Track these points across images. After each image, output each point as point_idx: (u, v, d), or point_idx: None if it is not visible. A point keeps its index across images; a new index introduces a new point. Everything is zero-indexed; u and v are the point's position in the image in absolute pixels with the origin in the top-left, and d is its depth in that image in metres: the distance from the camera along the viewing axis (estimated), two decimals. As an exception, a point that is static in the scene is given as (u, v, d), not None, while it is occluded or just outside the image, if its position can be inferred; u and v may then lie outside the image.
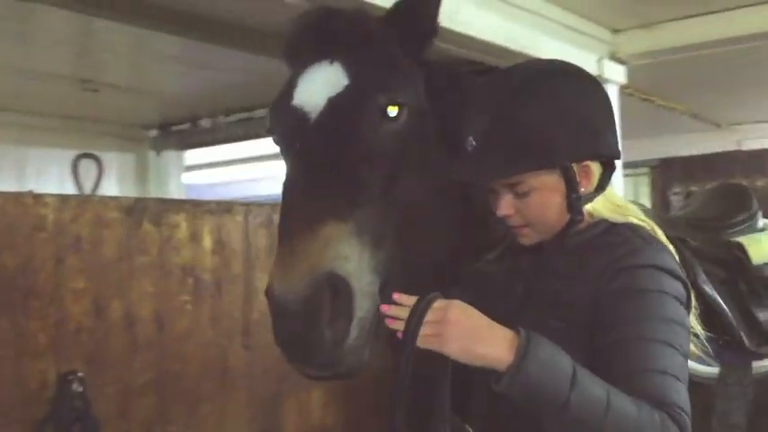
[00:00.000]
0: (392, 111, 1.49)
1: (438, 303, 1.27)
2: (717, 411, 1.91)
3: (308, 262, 1.29)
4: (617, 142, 1.50)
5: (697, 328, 1.54)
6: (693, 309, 1.47)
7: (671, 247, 1.48)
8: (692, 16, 3.11)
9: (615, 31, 3.15)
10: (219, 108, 5.64)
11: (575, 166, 1.42)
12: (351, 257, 1.35)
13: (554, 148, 1.41)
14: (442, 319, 1.24)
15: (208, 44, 3.14)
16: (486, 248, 1.61)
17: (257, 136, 5.63)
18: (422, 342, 1.25)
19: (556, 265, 1.44)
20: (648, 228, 1.48)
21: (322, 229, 1.32)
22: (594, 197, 1.47)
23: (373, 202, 1.43)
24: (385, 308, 1.31)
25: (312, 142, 1.44)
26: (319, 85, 1.47)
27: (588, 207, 1.47)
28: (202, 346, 2.07)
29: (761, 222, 2.27)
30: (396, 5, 1.61)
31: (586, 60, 2.73)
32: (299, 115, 1.47)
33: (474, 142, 1.43)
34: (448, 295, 1.38)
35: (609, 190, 1.51)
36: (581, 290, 1.37)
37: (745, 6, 2.92)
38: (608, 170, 1.49)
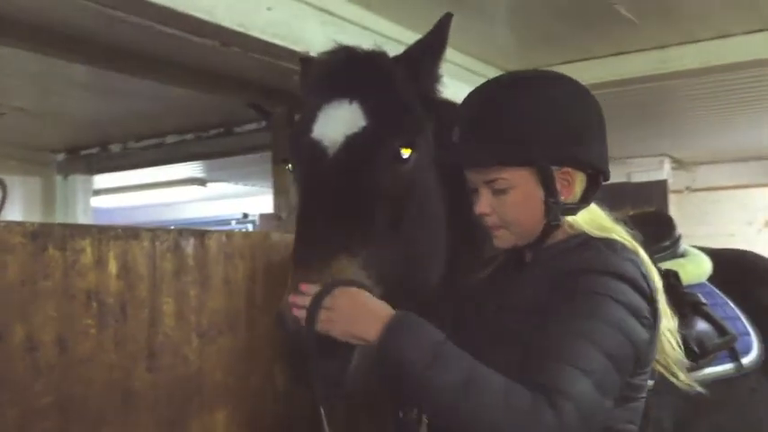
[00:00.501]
0: (405, 153, 1.61)
1: (335, 291, 1.40)
2: (651, 418, 1.95)
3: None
4: (604, 157, 1.50)
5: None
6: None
7: (650, 267, 1.47)
8: (577, 60, 3.38)
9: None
10: (130, 133, 5.62)
11: (555, 171, 1.44)
12: None
13: (531, 145, 1.43)
14: (332, 306, 1.38)
15: (116, 73, 3.19)
16: (477, 265, 1.71)
17: (167, 162, 5.63)
18: (318, 327, 1.38)
19: (528, 273, 1.49)
20: (630, 246, 1.47)
21: (335, 263, 1.46)
22: (577, 210, 1.47)
23: (381, 238, 1.55)
24: (292, 298, 1.42)
25: (328, 177, 1.55)
26: (338, 124, 1.58)
27: (569, 219, 1.47)
28: (106, 368, 2.08)
29: (681, 248, 2.46)
30: (412, 47, 1.76)
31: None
32: (318, 149, 1.58)
33: (459, 131, 1.51)
34: (439, 311, 1.53)
35: (595, 209, 1.52)
36: (543, 293, 1.41)
37: (626, 53, 3.21)
38: (593, 185, 1.50)
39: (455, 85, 3.04)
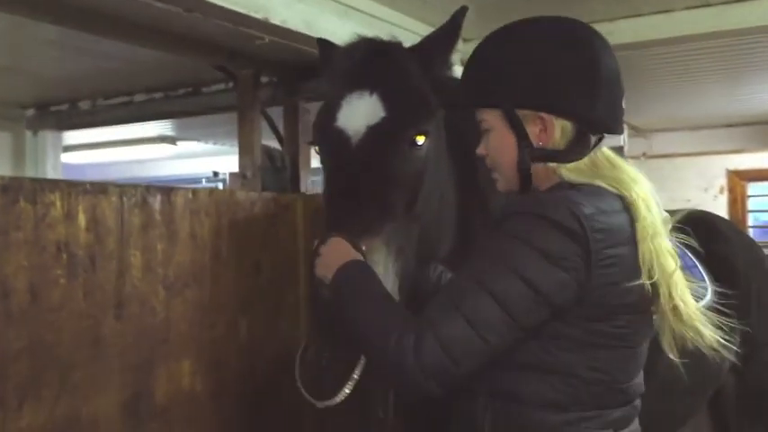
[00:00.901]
0: (419, 140, 1.78)
1: (328, 242, 1.61)
2: None
3: None
4: (593, 106, 1.46)
5: None
6: None
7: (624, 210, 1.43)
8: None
9: (465, 40, 3.49)
10: (99, 91, 5.63)
11: (528, 115, 1.46)
12: (380, 263, 1.66)
13: (496, 87, 1.48)
14: (321, 252, 1.60)
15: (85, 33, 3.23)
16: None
17: (136, 119, 5.66)
18: (315, 272, 1.61)
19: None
20: (613, 189, 1.44)
21: (361, 240, 1.63)
22: (564, 159, 1.47)
23: (399, 216, 1.73)
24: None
25: (353, 164, 1.72)
26: (360, 114, 1.74)
27: (555, 168, 1.47)
28: (76, 316, 2.15)
29: None
30: (427, 38, 1.92)
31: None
32: (342, 137, 1.75)
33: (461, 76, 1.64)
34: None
35: (608, 160, 1.49)
36: None
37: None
38: (583, 137, 1.47)
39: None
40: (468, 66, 1.59)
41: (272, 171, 4.20)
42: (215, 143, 8.52)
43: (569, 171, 1.47)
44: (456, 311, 1.33)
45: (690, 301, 1.49)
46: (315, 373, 1.77)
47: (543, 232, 1.34)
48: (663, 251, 1.47)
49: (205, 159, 10.59)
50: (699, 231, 2.66)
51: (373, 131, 1.73)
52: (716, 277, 2.56)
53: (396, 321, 1.38)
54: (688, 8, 3.03)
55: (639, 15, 3.13)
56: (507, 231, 1.38)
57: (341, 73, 1.84)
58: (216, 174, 10.82)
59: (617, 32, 3.11)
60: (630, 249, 1.43)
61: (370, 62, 1.81)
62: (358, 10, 2.69)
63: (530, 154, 1.47)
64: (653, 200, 1.50)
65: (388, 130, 1.73)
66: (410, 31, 3.07)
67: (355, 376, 1.71)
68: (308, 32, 2.40)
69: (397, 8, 2.92)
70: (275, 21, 2.30)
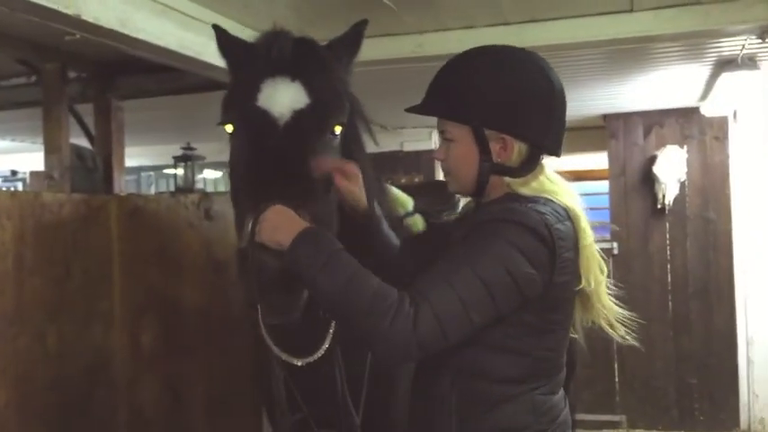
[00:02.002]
0: (337, 130, 1.89)
1: (270, 208, 1.62)
2: None
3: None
4: (545, 132, 1.65)
5: None
6: None
7: (576, 220, 1.64)
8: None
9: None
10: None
11: (493, 134, 1.61)
12: None
13: (469, 107, 1.62)
14: (264, 218, 1.61)
15: None
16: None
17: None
18: (256, 237, 1.62)
19: (461, 228, 1.67)
20: (559, 203, 1.63)
21: (300, 211, 1.65)
22: (515, 174, 1.65)
23: (320, 197, 1.79)
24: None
25: (281, 144, 1.76)
26: (284, 98, 1.81)
27: (507, 181, 1.65)
28: None
29: (460, 206, 2.88)
30: (333, 42, 2.02)
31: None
32: (266, 118, 1.79)
33: (429, 87, 1.73)
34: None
35: (547, 176, 1.69)
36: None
37: (389, 36, 3.45)
38: (534, 156, 1.67)
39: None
40: (442, 77, 1.72)
41: (82, 171, 4.00)
42: (13, 139, 7.89)
43: (519, 185, 1.66)
44: (451, 290, 1.47)
45: (608, 303, 1.77)
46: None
47: (522, 236, 1.52)
48: (596, 258, 1.71)
49: (1, 157, 9.76)
50: None
51: (300, 116, 1.81)
52: None
53: (389, 290, 1.47)
54: (489, 25, 3.32)
55: (447, 30, 3.37)
56: (491, 231, 1.54)
57: (262, 58, 1.87)
58: (14, 173, 10.01)
59: (426, 44, 3.33)
60: (574, 254, 1.64)
61: (292, 50, 1.87)
62: (176, 10, 2.65)
63: (489, 168, 1.64)
64: (582, 209, 1.71)
65: (315, 117, 1.83)
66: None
67: (331, 331, 1.92)
68: (122, 31, 2.33)
69: (216, 10, 2.91)
70: (87, 18, 2.21)
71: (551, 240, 1.54)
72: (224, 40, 2.06)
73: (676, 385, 6.15)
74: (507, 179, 1.66)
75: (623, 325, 1.79)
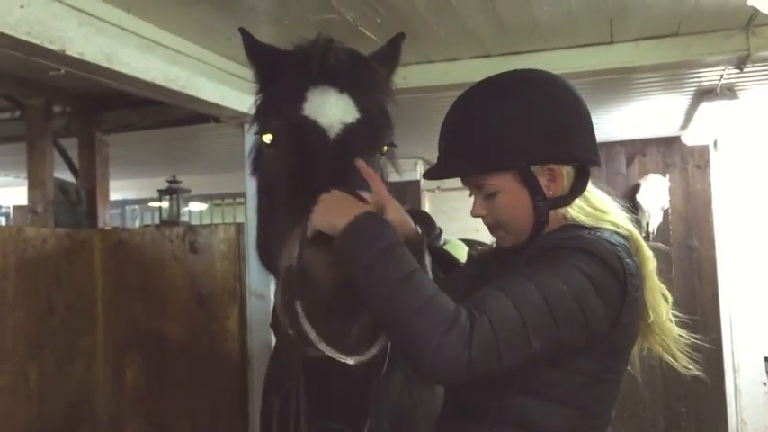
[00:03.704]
0: (385, 149, 1.78)
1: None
2: None
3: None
4: (587, 147, 1.52)
5: None
6: None
7: (639, 250, 1.51)
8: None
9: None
10: None
11: (538, 169, 1.48)
12: None
13: (507, 151, 1.47)
14: (321, 200, 1.46)
15: None
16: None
17: None
18: (312, 222, 1.45)
19: (518, 262, 1.48)
20: (622, 231, 1.50)
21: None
22: (570, 201, 1.51)
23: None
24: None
25: (333, 156, 1.62)
26: (334, 109, 1.68)
27: (562, 211, 1.51)
28: None
29: (442, 238, 2.87)
30: (380, 51, 1.93)
31: (244, 101, 3.05)
32: (314, 127, 1.66)
33: (442, 144, 1.58)
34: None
35: (592, 194, 1.56)
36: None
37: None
38: (582, 174, 1.53)
39: (218, 88, 3.19)
40: (461, 130, 1.56)
41: (66, 205, 3.98)
42: (-3, 174, 7.85)
43: (577, 213, 1.52)
44: (513, 307, 1.30)
45: (672, 333, 1.64)
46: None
47: (592, 264, 1.37)
48: (659, 286, 1.59)
49: (-16, 191, 9.68)
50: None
51: (351, 130, 1.68)
52: None
53: (446, 298, 1.30)
54: (472, 57, 3.36)
55: (430, 62, 3.42)
56: (559, 257, 1.39)
57: (306, 65, 1.73)
58: (-3, 207, 9.93)
59: (410, 77, 3.36)
60: (642, 293, 1.50)
61: (341, 60, 1.74)
62: (161, 45, 2.66)
63: (546, 206, 1.50)
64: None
65: (366, 133, 1.70)
66: (213, 66, 3.09)
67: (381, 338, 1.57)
68: (107, 65, 2.34)
69: (201, 44, 2.93)
70: (72, 53, 2.21)
71: (623, 274, 1.40)
72: (252, 44, 1.90)
73: (665, 414, 6.13)
74: (561, 210, 1.52)
75: (687, 355, 1.66)
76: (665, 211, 6.14)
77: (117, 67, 2.42)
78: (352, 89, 1.73)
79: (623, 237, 1.50)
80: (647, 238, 5.97)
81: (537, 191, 1.49)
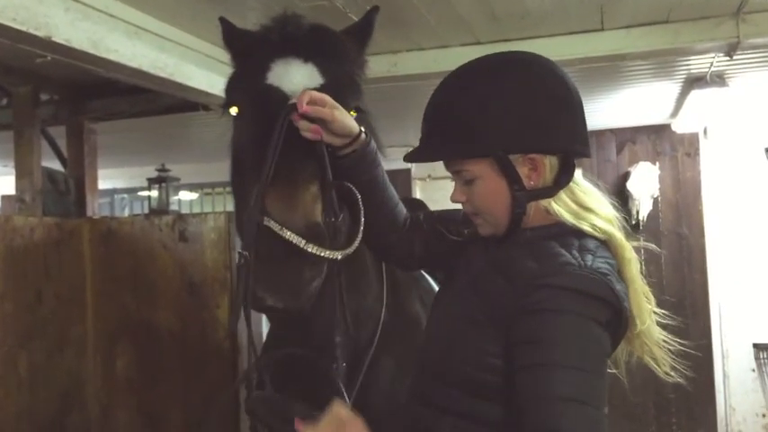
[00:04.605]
0: (352, 114, 1.71)
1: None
2: None
3: (305, 210, 1.50)
4: (575, 137, 1.46)
5: None
6: None
7: (622, 261, 1.46)
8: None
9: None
10: None
11: (518, 158, 1.41)
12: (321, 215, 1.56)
13: (483, 137, 1.41)
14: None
15: None
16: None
17: None
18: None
19: (500, 256, 1.46)
20: (600, 236, 1.44)
21: (311, 188, 1.54)
22: (552, 193, 1.45)
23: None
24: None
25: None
26: (297, 76, 1.67)
27: (545, 203, 1.45)
28: None
29: None
30: (346, 30, 1.89)
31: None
32: (278, 94, 1.65)
33: (423, 127, 1.53)
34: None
35: (579, 187, 1.49)
36: (503, 291, 1.38)
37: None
38: (567, 166, 1.45)
39: (206, 75, 3.16)
40: (440, 112, 1.51)
41: (54, 194, 3.95)
42: (-17, 163, 7.78)
43: (561, 208, 1.46)
44: (576, 404, 1.25)
45: (655, 338, 1.59)
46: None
47: (587, 304, 1.33)
48: (642, 289, 1.55)
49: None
50: None
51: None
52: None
53: None
54: (462, 45, 3.36)
55: (421, 50, 3.41)
56: (554, 307, 1.33)
57: (271, 40, 1.74)
58: (-16, 196, 9.85)
59: (400, 63, 3.35)
60: (628, 304, 1.46)
61: (305, 33, 1.75)
62: (148, 31, 2.64)
63: (524, 197, 1.44)
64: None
65: (333, 98, 1.62)
66: (202, 54, 3.06)
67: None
68: (94, 52, 2.31)
69: (190, 31, 2.90)
70: (58, 39, 2.19)
71: (618, 306, 1.37)
72: (229, 31, 1.90)
73: (654, 400, 6.18)
74: (545, 202, 1.46)
75: (671, 360, 1.62)
76: (655, 199, 6.16)
77: (104, 54, 2.39)
78: (316, 59, 1.73)
79: (601, 242, 1.45)
80: (636, 226, 6.08)
81: (515, 180, 1.43)
